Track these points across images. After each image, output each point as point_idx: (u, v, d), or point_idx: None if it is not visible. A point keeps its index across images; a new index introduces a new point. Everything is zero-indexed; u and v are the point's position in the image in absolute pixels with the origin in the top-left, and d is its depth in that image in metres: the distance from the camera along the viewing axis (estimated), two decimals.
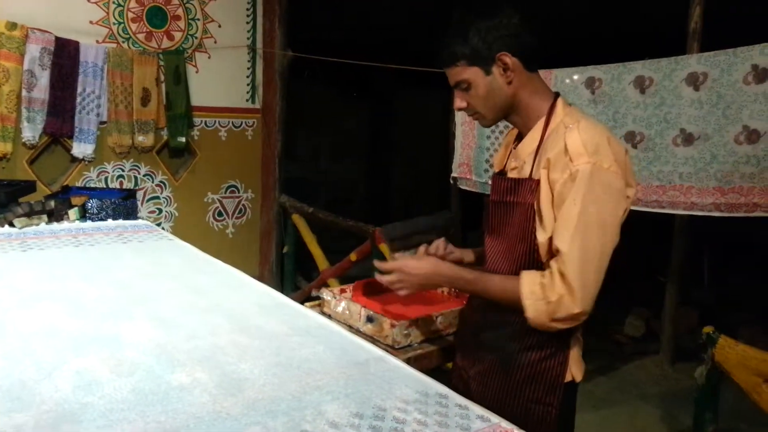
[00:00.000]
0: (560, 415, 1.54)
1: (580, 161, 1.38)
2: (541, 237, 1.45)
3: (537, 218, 1.46)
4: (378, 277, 1.64)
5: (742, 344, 2.15)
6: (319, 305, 1.98)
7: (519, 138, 1.62)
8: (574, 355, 1.56)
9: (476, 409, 1.17)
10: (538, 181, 1.46)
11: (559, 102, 1.54)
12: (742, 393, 2.10)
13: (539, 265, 1.48)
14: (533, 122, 1.54)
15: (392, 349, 1.66)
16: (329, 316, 1.85)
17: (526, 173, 1.52)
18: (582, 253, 1.38)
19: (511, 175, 1.59)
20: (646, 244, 4.81)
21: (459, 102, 1.59)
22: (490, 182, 1.72)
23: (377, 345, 1.56)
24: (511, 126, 1.66)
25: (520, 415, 1.50)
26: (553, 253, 1.42)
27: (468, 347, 1.71)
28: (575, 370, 1.55)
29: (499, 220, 1.59)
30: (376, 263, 1.66)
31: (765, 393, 2.04)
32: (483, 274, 1.56)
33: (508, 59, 1.48)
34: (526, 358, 1.53)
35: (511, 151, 1.64)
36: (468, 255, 1.83)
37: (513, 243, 1.53)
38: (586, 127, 1.44)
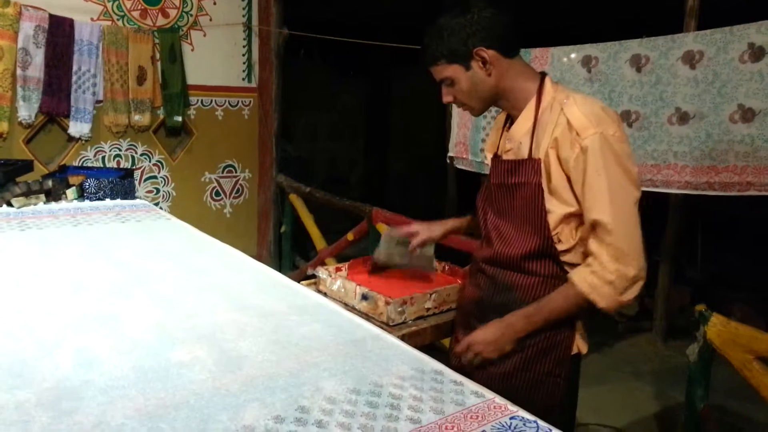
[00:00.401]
0: (567, 386, 1.61)
1: (587, 134, 1.43)
2: (559, 210, 1.50)
3: (547, 195, 1.51)
4: (462, 359, 1.63)
5: (734, 322, 2.17)
6: (314, 283, 2.00)
7: (510, 121, 1.64)
8: (580, 329, 1.62)
9: (471, 385, 1.19)
10: (539, 160, 1.50)
11: (547, 80, 1.57)
12: (733, 370, 2.12)
13: (549, 240, 1.52)
14: (523, 104, 1.57)
15: (386, 326, 1.69)
16: (325, 294, 1.87)
17: (523, 153, 1.55)
18: (621, 216, 1.43)
19: (507, 156, 1.62)
20: (641, 222, 4.82)
21: (446, 96, 1.64)
22: (486, 162, 1.75)
23: (372, 322, 1.59)
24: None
25: (531, 388, 1.57)
26: (590, 227, 1.46)
27: (472, 326, 1.71)
28: (581, 343, 1.62)
29: (503, 202, 1.62)
30: (457, 349, 1.64)
31: (756, 370, 2.07)
32: (540, 302, 1.55)
33: (484, 53, 1.51)
34: (537, 335, 1.57)
35: (503, 134, 1.67)
36: (451, 223, 1.99)
37: (520, 221, 1.57)
38: (582, 100, 1.50)
